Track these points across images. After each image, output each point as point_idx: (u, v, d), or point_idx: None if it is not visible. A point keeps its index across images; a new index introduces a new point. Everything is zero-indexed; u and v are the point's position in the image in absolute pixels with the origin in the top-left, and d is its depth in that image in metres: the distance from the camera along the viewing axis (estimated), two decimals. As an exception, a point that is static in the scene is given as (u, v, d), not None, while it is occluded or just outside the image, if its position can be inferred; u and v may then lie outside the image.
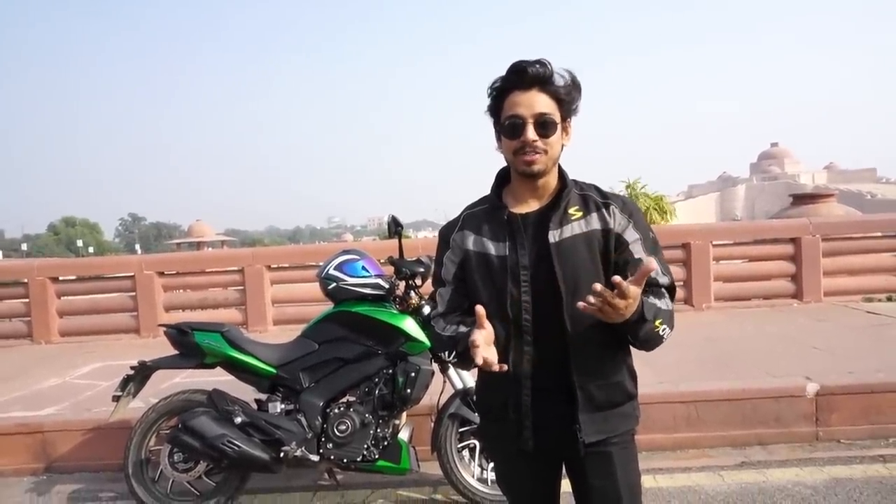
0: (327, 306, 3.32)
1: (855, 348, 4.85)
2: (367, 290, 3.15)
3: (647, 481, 3.42)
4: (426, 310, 3.12)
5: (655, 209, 14.04)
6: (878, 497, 3.12)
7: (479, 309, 1.46)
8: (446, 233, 1.75)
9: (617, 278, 1.36)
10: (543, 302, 1.58)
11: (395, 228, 3.24)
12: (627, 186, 14.41)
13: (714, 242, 7.10)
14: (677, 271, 7.09)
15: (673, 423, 3.87)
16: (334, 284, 3.18)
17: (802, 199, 12.50)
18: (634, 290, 1.39)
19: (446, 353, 1.65)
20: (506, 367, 1.46)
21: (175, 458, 3.18)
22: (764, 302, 7.11)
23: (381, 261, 3.61)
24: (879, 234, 7.41)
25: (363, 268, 3.20)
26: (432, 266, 1.96)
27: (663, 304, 1.58)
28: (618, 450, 1.65)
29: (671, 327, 1.58)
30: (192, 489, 3.23)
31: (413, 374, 3.05)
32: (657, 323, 1.53)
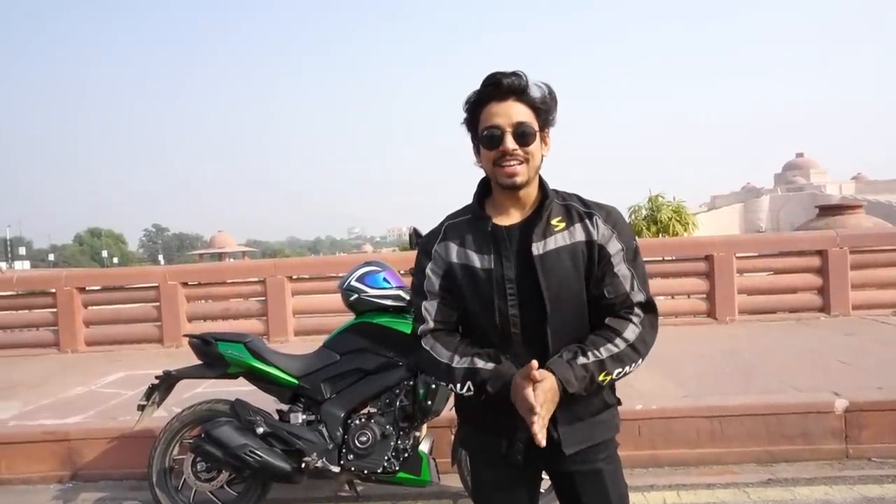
0: (348, 317, 3.34)
1: (885, 363, 4.73)
2: (389, 302, 3.17)
3: (670, 497, 3.37)
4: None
5: (677, 220, 13.85)
6: (911, 517, 3.04)
7: (535, 371, 1.43)
8: (427, 243, 1.68)
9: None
10: (529, 314, 1.55)
11: (416, 240, 3.26)
12: (650, 200, 14.26)
13: (738, 254, 7.02)
14: (700, 283, 7.02)
15: (696, 438, 3.81)
16: (356, 296, 3.20)
17: (829, 210, 12.29)
18: (540, 392, 1.41)
19: (456, 385, 1.56)
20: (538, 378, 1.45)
21: (198, 467, 3.21)
22: (790, 315, 6.99)
23: (402, 272, 3.63)
24: (909, 246, 7.26)
25: (384, 279, 3.23)
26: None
27: (603, 350, 1.53)
28: (606, 465, 1.64)
29: (632, 362, 1.55)
30: (215, 498, 3.26)
31: (434, 386, 3.05)
32: (602, 377, 1.51)
